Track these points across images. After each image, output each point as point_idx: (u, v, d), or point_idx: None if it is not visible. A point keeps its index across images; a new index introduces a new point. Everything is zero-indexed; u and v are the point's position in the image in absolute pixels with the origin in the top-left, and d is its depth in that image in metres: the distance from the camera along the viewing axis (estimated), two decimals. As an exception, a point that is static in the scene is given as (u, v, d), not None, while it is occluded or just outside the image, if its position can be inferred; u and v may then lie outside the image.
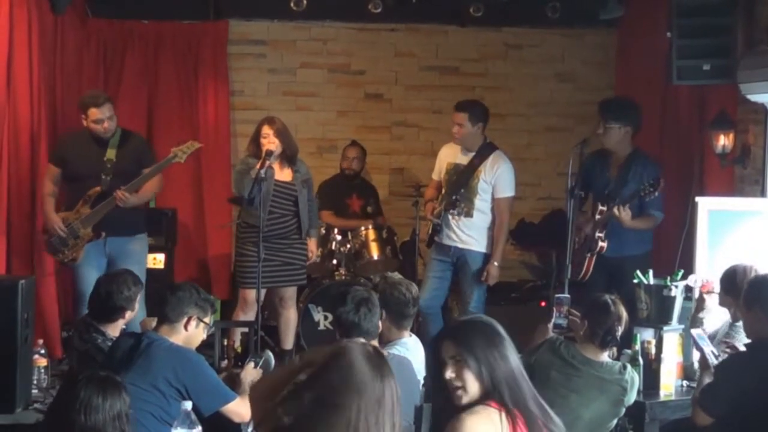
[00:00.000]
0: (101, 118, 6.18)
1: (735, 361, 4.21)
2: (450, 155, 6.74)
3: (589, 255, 6.06)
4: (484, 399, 2.87)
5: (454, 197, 6.55)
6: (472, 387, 2.87)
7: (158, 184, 6.46)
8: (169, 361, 4.09)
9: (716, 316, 4.97)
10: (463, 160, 6.64)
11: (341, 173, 7.92)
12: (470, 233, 6.56)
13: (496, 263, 6.55)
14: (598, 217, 6.06)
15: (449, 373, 2.88)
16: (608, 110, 6.18)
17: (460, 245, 6.58)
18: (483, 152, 6.61)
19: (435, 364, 2.96)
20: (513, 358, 2.94)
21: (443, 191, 6.69)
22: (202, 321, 4.29)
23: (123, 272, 5.13)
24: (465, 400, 2.88)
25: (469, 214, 6.54)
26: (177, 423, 3.39)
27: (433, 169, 6.88)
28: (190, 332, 4.26)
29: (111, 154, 6.24)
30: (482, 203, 6.55)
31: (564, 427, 3.10)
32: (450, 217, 6.57)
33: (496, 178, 6.56)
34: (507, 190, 6.60)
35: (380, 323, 4.27)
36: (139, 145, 6.50)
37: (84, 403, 2.87)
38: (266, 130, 6.33)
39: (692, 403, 4.28)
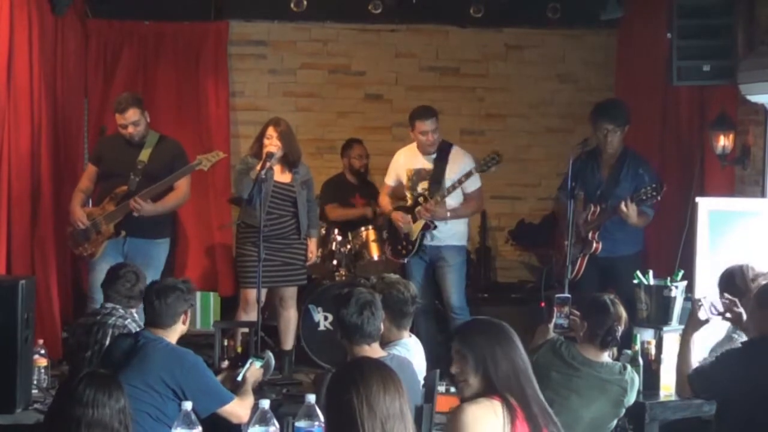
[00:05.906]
0: (124, 123, 6.35)
1: (734, 352, 4.18)
2: (408, 161, 6.79)
3: (581, 255, 6.07)
4: (487, 393, 3.00)
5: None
6: (473, 381, 3.03)
7: (182, 197, 6.50)
8: (165, 361, 4.11)
9: (715, 326, 4.92)
10: (425, 164, 6.72)
11: (349, 172, 7.81)
12: (445, 229, 6.64)
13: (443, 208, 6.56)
14: (591, 218, 6.04)
15: (453, 368, 3.08)
16: (613, 116, 6.14)
17: (436, 243, 6.66)
18: (442, 151, 6.70)
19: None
20: (518, 360, 3.07)
21: (408, 198, 6.72)
22: (191, 306, 4.41)
23: (128, 263, 5.44)
24: (467, 392, 3.04)
25: None
26: (177, 423, 3.38)
27: None
28: (185, 324, 4.38)
29: (144, 155, 6.37)
30: (453, 201, 6.64)
31: (564, 428, 3.14)
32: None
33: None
34: (477, 182, 6.69)
35: (382, 325, 4.27)
36: (174, 150, 6.53)
37: (90, 398, 2.91)
38: (270, 131, 6.35)
39: (678, 374, 4.27)
